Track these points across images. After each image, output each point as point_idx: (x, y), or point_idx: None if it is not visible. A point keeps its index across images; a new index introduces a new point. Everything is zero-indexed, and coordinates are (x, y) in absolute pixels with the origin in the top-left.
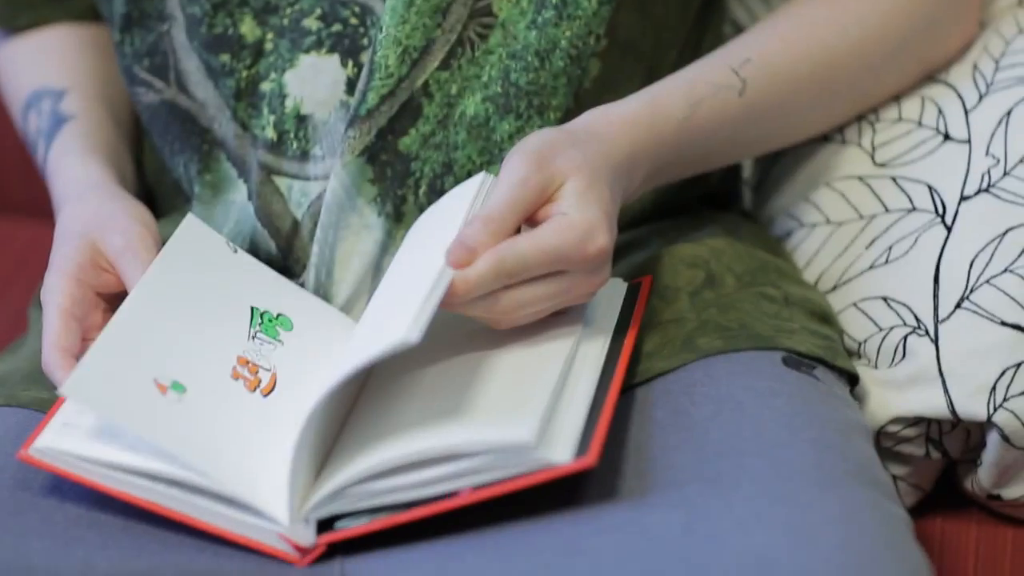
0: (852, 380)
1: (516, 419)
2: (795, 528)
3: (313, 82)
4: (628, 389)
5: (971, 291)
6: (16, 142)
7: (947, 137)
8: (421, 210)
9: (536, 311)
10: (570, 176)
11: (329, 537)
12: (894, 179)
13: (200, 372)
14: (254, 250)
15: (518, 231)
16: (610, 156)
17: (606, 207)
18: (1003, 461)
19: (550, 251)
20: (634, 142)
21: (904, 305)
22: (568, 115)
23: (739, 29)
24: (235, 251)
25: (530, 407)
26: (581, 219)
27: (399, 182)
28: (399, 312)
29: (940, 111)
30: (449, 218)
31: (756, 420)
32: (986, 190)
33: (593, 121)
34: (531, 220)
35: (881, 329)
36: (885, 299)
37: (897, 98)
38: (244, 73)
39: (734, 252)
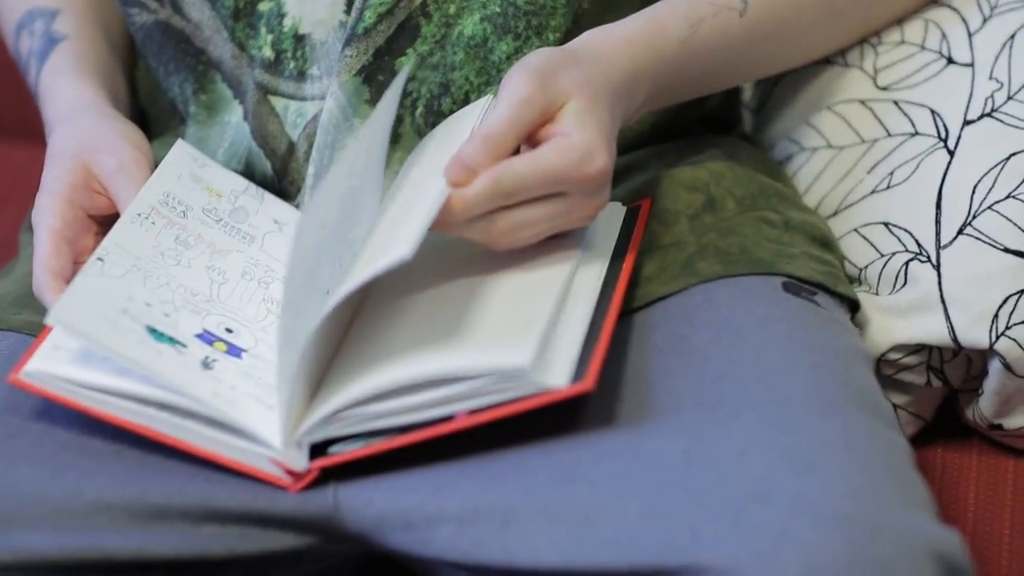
0: (853, 306)
1: (513, 343)
2: (795, 455)
3: (312, 2)
4: (627, 314)
5: (973, 217)
6: (7, 63)
7: (950, 61)
8: (418, 131)
9: (534, 233)
10: (571, 96)
11: (323, 462)
12: (896, 103)
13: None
14: (249, 171)
15: (517, 151)
16: (610, 76)
17: (606, 128)
18: (1005, 390)
19: (549, 171)
20: (634, 61)
21: (906, 231)
22: (567, 35)
23: None
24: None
25: (527, 331)
26: (580, 140)
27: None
28: (396, 231)
29: (943, 34)
30: (450, 140)
31: (756, 346)
32: (989, 114)
33: (593, 41)
34: (530, 140)
35: (882, 255)
36: (886, 224)
37: (900, 21)
38: None
39: (734, 176)
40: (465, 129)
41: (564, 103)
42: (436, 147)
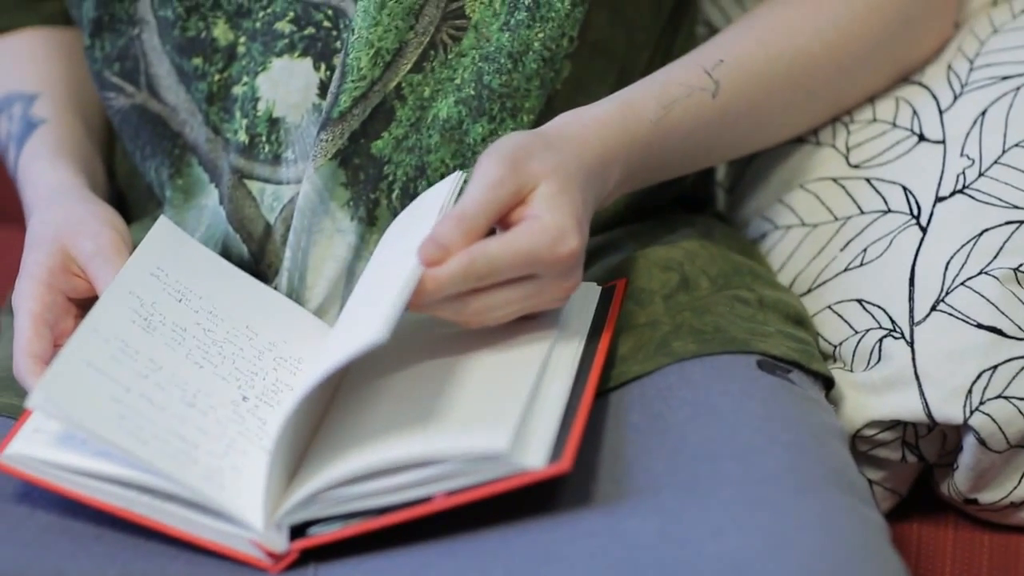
0: (827, 383)
1: (490, 427)
2: (771, 533)
3: (286, 85)
4: (603, 393)
5: (947, 293)
6: None
7: (922, 138)
8: (394, 214)
9: (505, 313)
10: (543, 179)
11: (302, 543)
12: (868, 180)
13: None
14: (226, 255)
15: (490, 233)
16: (583, 158)
17: (577, 211)
18: (979, 465)
19: (521, 253)
20: (606, 144)
21: (879, 307)
22: (540, 117)
23: (713, 30)
24: (208, 255)
25: (504, 414)
26: (552, 222)
27: (372, 186)
28: (370, 313)
29: (915, 111)
30: (422, 218)
31: (731, 424)
32: (961, 191)
33: (566, 124)
34: (503, 223)
35: (856, 332)
36: (860, 301)
37: (871, 99)
38: (216, 77)
39: (708, 255)
40: (433, 208)
41: (536, 186)
42: (405, 227)
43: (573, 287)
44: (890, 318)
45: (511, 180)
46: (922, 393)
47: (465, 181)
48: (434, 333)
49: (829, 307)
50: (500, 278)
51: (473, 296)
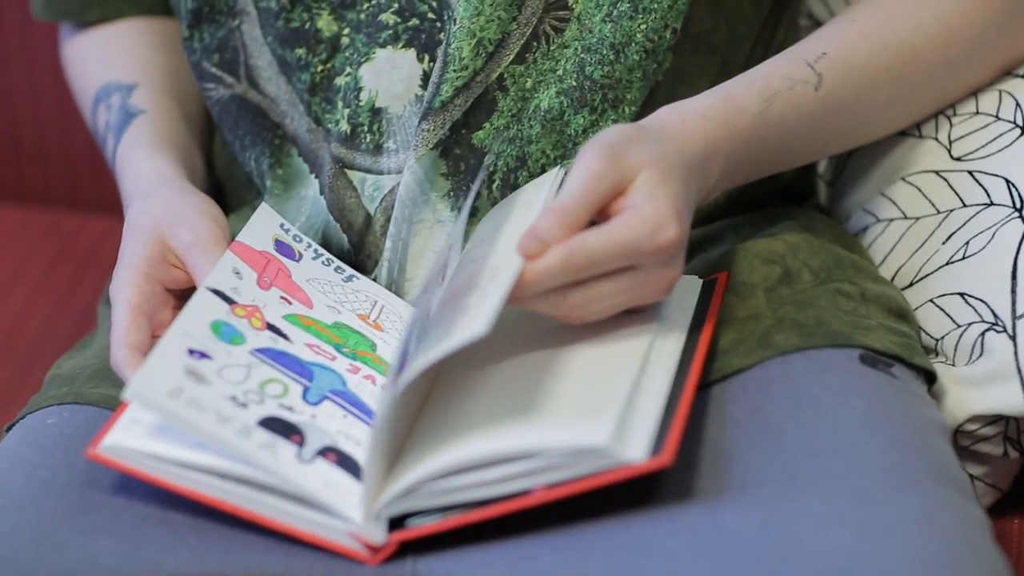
0: (930, 378)
1: (591, 420)
2: (872, 528)
3: (389, 76)
4: (704, 387)
5: None
6: (85, 137)
7: None
8: (495, 204)
9: (607, 307)
10: (643, 170)
11: (401, 535)
12: (971, 173)
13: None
14: (326, 245)
15: (591, 225)
16: (684, 152)
17: (678, 200)
18: None
19: (620, 244)
20: (708, 136)
21: (982, 301)
22: (643, 108)
23: (816, 23)
24: (308, 244)
25: (605, 407)
26: (651, 211)
27: (473, 176)
28: (470, 305)
29: (1018, 104)
30: (522, 212)
31: (834, 419)
32: None
33: (667, 117)
34: (602, 214)
35: (959, 326)
36: (962, 295)
37: (974, 92)
38: (319, 67)
39: (810, 248)
40: (534, 202)
41: (635, 177)
42: (505, 221)
43: (675, 278)
44: (992, 312)
45: (611, 172)
46: None
47: (565, 174)
48: (536, 325)
49: (931, 300)
50: (600, 270)
51: (573, 290)
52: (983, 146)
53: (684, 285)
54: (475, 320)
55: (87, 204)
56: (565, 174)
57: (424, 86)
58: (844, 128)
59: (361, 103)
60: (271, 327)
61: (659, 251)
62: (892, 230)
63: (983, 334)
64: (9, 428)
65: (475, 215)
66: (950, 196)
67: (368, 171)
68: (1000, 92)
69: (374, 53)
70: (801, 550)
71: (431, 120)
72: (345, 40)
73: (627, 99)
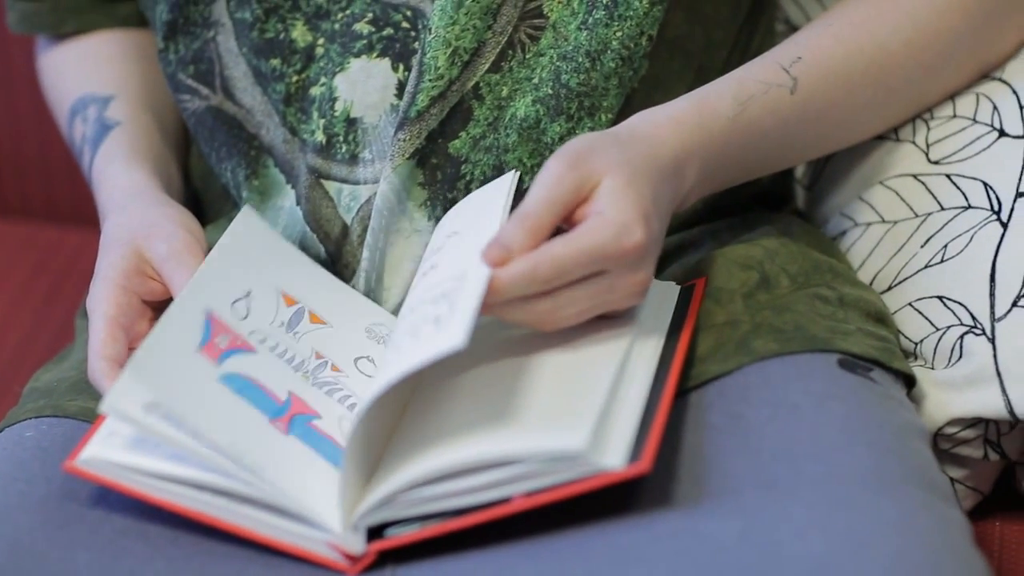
0: (909, 382)
1: (568, 426)
2: (852, 534)
3: (364, 85)
4: (682, 393)
5: None
6: (62, 150)
7: (1002, 133)
8: None
9: (578, 312)
10: (606, 174)
11: (380, 545)
12: (949, 176)
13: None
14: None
15: (557, 232)
16: (656, 157)
17: (644, 204)
18: None
19: (585, 251)
20: (682, 141)
21: (960, 304)
22: (619, 116)
23: (793, 28)
24: (289, 247)
25: (582, 413)
26: (615, 216)
27: (449, 185)
28: (440, 315)
29: (995, 107)
30: (479, 216)
31: (812, 424)
32: None
33: (639, 123)
34: (568, 221)
35: (937, 329)
36: (941, 298)
37: (951, 95)
38: (294, 78)
39: (788, 252)
40: (490, 208)
41: (599, 182)
42: (463, 226)
43: (644, 282)
44: (971, 315)
45: (570, 176)
46: (1004, 390)
47: (520, 178)
48: (513, 332)
49: (910, 304)
50: (567, 279)
51: (541, 298)
52: (960, 149)
53: (662, 291)
54: (452, 332)
55: (64, 217)
56: (520, 177)
57: (399, 95)
58: (820, 132)
59: (336, 113)
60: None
61: (625, 255)
62: (870, 234)
63: (962, 337)
64: None
65: None
66: (928, 200)
67: (344, 181)
68: (977, 95)
69: (348, 63)
70: (781, 556)
71: (407, 130)
72: (320, 50)
73: (603, 106)
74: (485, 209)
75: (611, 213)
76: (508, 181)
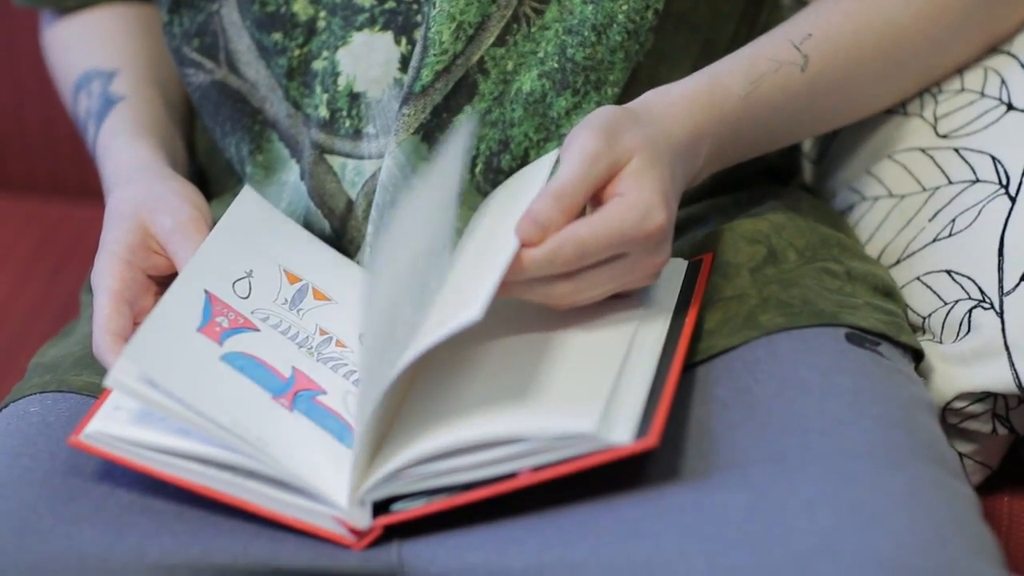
0: (917, 356)
1: (578, 405)
2: (860, 508)
3: (366, 59)
4: (690, 367)
5: None
6: (67, 125)
7: (1010, 107)
8: (478, 188)
9: (597, 294)
10: (635, 155)
11: (386, 519)
12: (957, 150)
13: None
14: (308, 230)
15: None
16: (671, 135)
17: (664, 186)
18: None
19: (608, 234)
20: (695, 120)
21: (968, 278)
22: (625, 90)
23: (799, 2)
24: (291, 225)
25: (592, 392)
26: (638, 198)
27: None
28: (464, 290)
29: (1003, 81)
30: (518, 197)
31: (820, 398)
32: None
33: (653, 100)
34: (594, 199)
35: (945, 303)
36: (949, 272)
37: (959, 69)
38: (296, 52)
39: (795, 227)
40: (532, 186)
41: (628, 161)
42: (503, 204)
43: (662, 263)
44: (979, 288)
45: (606, 153)
46: (1012, 364)
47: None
48: (523, 309)
49: (918, 278)
50: (589, 261)
51: (562, 280)
52: (969, 123)
53: (670, 267)
54: (468, 307)
55: (69, 192)
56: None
57: (403, 69)
58: (830, 108)
59: (339, 88)
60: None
61: (648, 238)
62: (878, 208)
63: (970, 311)
64: None
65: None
66: (936, 173)
67: (348, 156)
68: (985, 69)
69: (351, 37)
70: (788, 530)
71: (412, 105)
72: (321, 23)
73: (609, 80)
74: (524, 188)
75: (635, 196)
76: (548, 162)
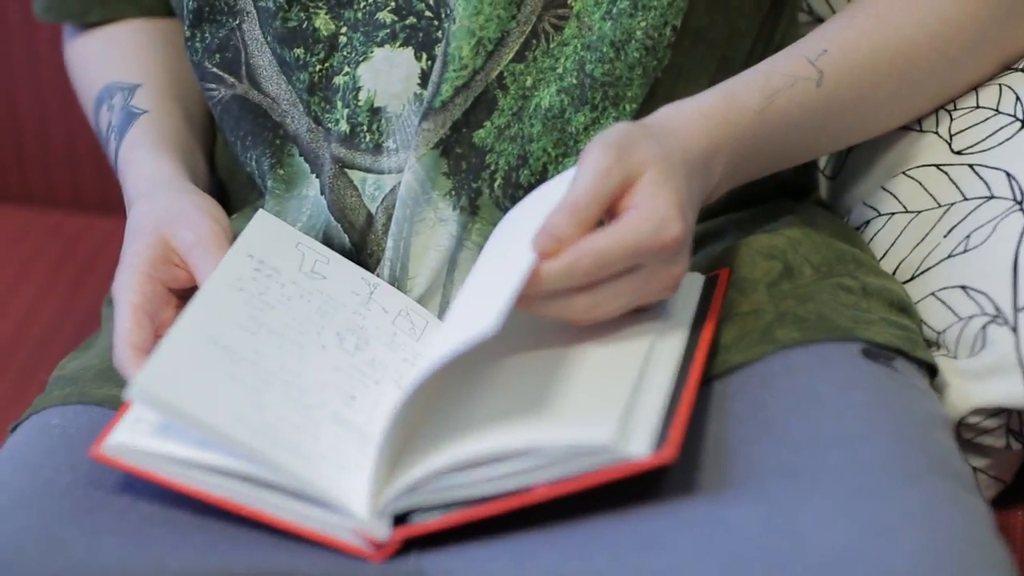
0: (931, 371)
1: (594, 419)
2: (875, 523)
3: (387, 75)
4: (706, 382)
5: None
6: (89, 138)
7: None
8: (497, 203)
9: (615, 308)
10: (647, 169)
11: (405, 531)
12: (971, 167)
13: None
14: (327, 244)
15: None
16: (686, 150)
17: (681, 197)
18: None
19: (625, 245)
20: (710, 135)
21: (983, 294)
22: (643, 106)
23: (816, 19)
24: (309, 245)
25: (608, 406)
26: (654, 210)
27: (474, 175)
28: (482, 305)
29: (1018, 97)
30: (535, 213)
31: (835, 413)
32: None
33: (668, 116)
34: (609, 213)
35: (960, 318)
36: (964, 288)
37: (974, 86)
38: (318, 67)
39: (811, 243)
40: (548, 203)
41: (640, 175)
42: (518, 222)
43: (680, 275)
44: (994, 304)
45: (617, 168)
46: None
47: None
48: (541, 324)
49: (933, 294)
50: (607, 272)
51: (580, 294)
52: (983, 139)
53: (687, 281)
54: (485, 319)
55: (91, 205)
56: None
57: (423, 85)
58: (845, 125)
59: (360, 103)
60: None
61: (664, 249)
62: (893, 224)
63: (985, 327)
64: (14, 429)
65: (476, 213)
66: (951, 190)
67: (368, 170)
68: (1000, 86)
69: (372, 52)
70: (804, 545)
71: (432, 120)
72: (343, 39)
73: (628, 96)
74: (541, 205)
75: (650, 207)
76: (566, 180)
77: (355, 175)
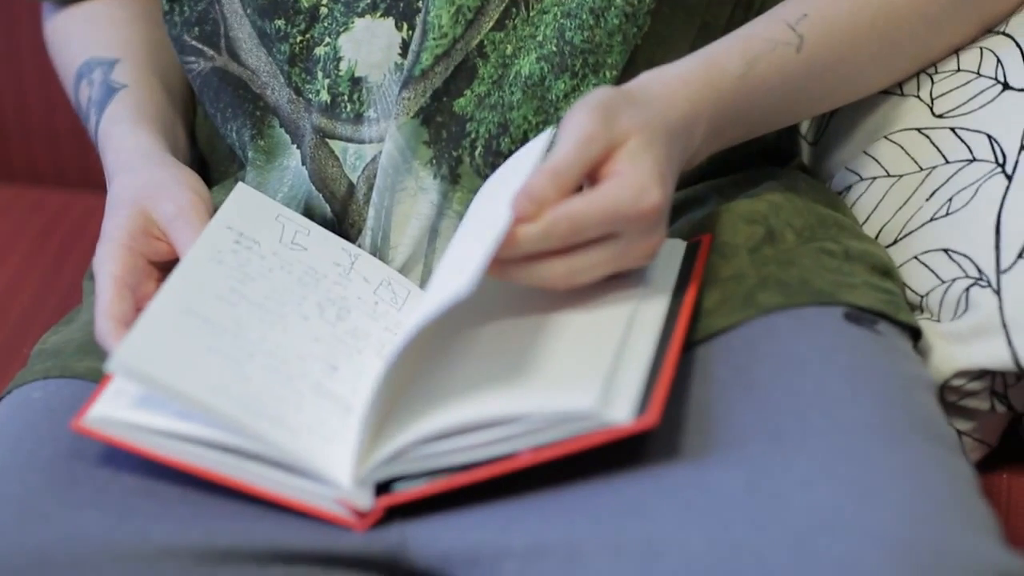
0: (915, 334)
1: (577, 385)
2: (859, 485)
3: (368, 45)
4: (689, 347)
5: None
6: (70, 114)
7: (1006, 86)
8: (478, 172)
9: (592, 275)
10: (631, 136)
11: (388, 500)
12: (953, 130)
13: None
14: (309, 215)
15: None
16: (668, 117)
17: (660, 166)
18: None
19: (603, 211)
20: (691, 101)
21: (966, 256)
22: (623, 73)
23: None
24: (289, 217)
25: (591, 371)
26: (634, 177)
27: (454, 143)
28: (460, 269)
29: (999, 60)
30: (513, 176)
31: (818, 376)
32: None
33: (650, 81)
34: (590, 178)
35: (943, 281)
36: (946, 251)
37: (955, 50)
38: (299, 38)
39: (793, 207)
40: (527, 166)
41: (624, 142)
42: (498, 185)
43: (657, 244)
44: (976, 267)
45: (602, 134)
46: (1010, 342)
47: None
48: (522, 292)
49: (915, 257)
50: (583, 237)
51: (556, 260)
52: (965, 103)
53: (668, 248)
54: (459, 282)
55: (72, 181)
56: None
57: (403, 54)
58: (827, 89)
59: (340, 73)
60: None
61: (642, 217)
62: (875, 188)
63: (968, 289)
64: None
65: (457, 182)
66: (933, 153)
67: (349, 140)
68: (981, 49)
69: (352, 22)
70: (787, 508)
71: (412, 88)
72: (324, 10)
73: (608, 64)
74: (519, 168)
75: (631, 175)
76: (543, 141)
77: (336, 145)
